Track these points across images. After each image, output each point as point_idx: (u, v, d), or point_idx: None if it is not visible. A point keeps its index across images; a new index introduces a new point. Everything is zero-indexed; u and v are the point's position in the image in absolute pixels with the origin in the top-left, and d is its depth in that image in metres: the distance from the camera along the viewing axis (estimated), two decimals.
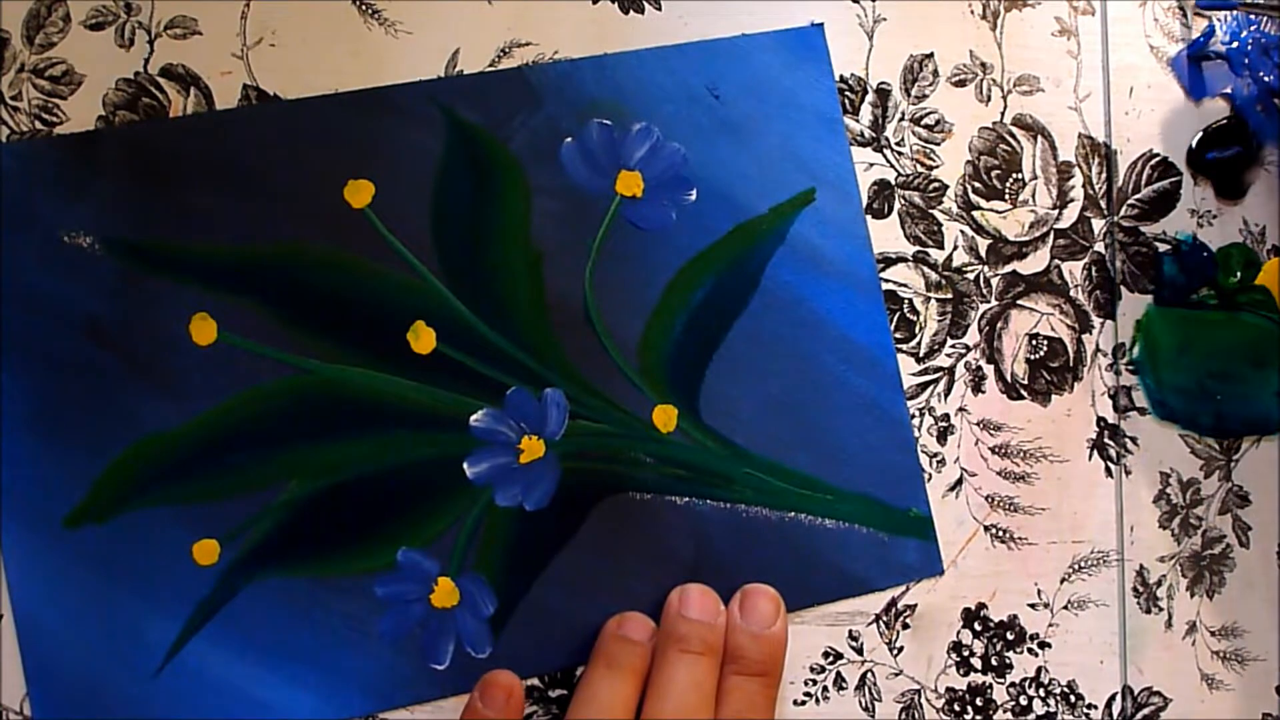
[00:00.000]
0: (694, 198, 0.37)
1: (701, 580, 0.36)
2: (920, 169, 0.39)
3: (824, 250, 0.38)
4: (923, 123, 0.39)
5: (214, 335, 0.34)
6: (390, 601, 0.35)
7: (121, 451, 0.34)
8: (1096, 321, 0.40)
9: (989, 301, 0.39)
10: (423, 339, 0.35)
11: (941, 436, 0.38)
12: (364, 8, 0.36)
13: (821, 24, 0.38)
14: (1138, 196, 0.40)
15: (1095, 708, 0.39)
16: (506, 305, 0.36)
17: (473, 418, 0.35)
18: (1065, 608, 0.39)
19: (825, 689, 0.37)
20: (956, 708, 0.38)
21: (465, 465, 0.35)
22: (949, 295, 0.39)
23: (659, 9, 0.37)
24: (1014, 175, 0.40)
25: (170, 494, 0.34)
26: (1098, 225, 0.40)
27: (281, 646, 0.34)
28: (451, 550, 0.35)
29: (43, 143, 0.34)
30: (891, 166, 0.39)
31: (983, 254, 0.39)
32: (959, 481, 0.38)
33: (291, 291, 0.35)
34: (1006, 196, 0.39)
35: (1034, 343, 0.39)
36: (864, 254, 0.38)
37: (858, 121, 0.39)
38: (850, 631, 0.37)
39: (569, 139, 0.36)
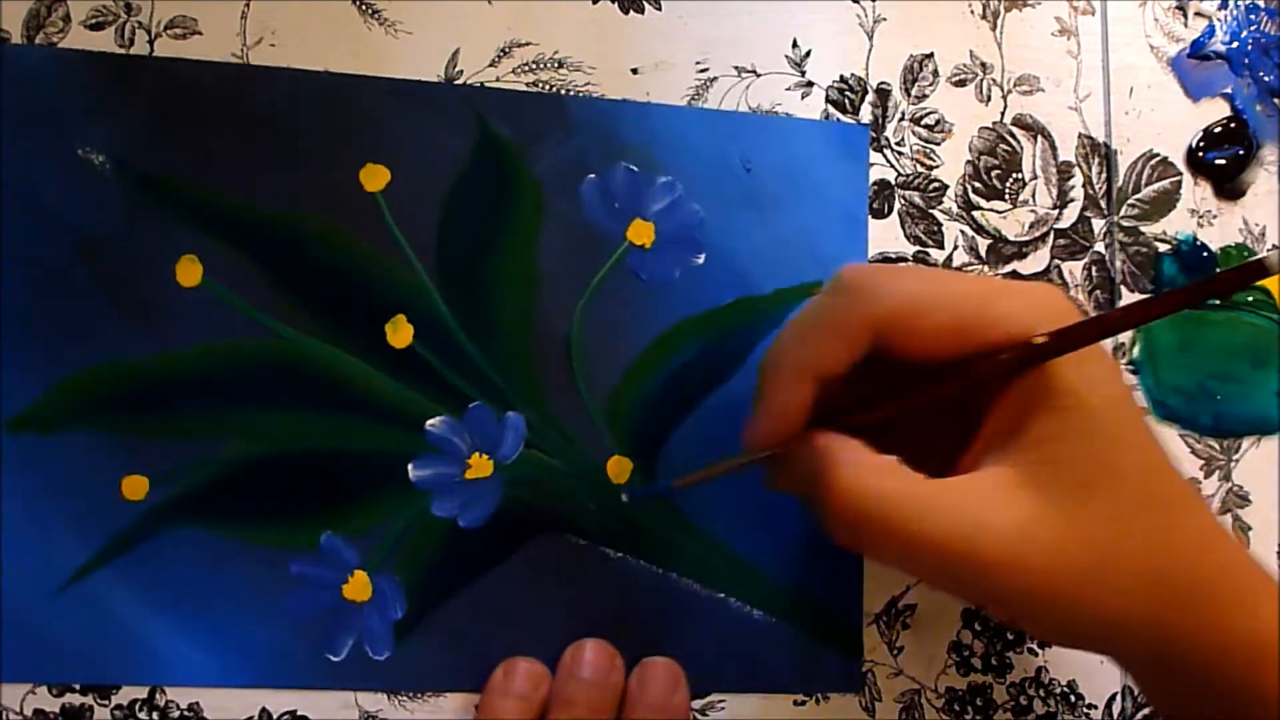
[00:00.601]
0: (701, 261, 0.37)
1: (617, 641, 0.35)
2: (920, 169, 0.39)
3: None
4: (923, 123, 0.39)
5: (198, 279, 0.34)
6: (302, 581, 0.34)
7: (81, 369, 0.34)
8: None
9: None
10: (400, 333, 0.35)
11: None
12: (364, 8, 0.36)
13: (867, 125, 0.38)
14: (1138, 196, 0.40)
15: (1095, 708, 0.39)
16: (492, 320, 0.35)
17: (429, 422, 0.35)
18: None
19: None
20: (956, 708, 0.38)
21: (410, 466, 0.35)
22: None
23: (659, 9, 0.37)
24: (1014, 175, 0.40)
25: (117, 423, 0.34)
26: (1098, 225, 0.40)
27: (185, 600, 0.34)
28: (376, 547, 0.35)
29: (80, 55, 0.34)
30: (891, 166, 0.39)
31: (983, 254, 0.39)
32: None
33: (284, 255, 0.35)
34: (1006, 196, 0.39)
35: None
36: None
37: (858, 121, 0.39)
38: None
39: (592, 175, 0.36)
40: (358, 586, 0.35)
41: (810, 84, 0.38)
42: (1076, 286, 0.40)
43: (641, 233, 0.36)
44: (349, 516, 0.35)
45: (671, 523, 0.36)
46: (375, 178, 0.35)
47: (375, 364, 0.35)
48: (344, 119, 0.35)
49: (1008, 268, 0.39)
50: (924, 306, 0.29)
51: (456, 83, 0.36)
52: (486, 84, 0.36)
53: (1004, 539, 0.27)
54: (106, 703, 0.33)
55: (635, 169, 0.36)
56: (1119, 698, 0.39)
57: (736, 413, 0.35)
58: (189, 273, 0.34)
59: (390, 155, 0.35)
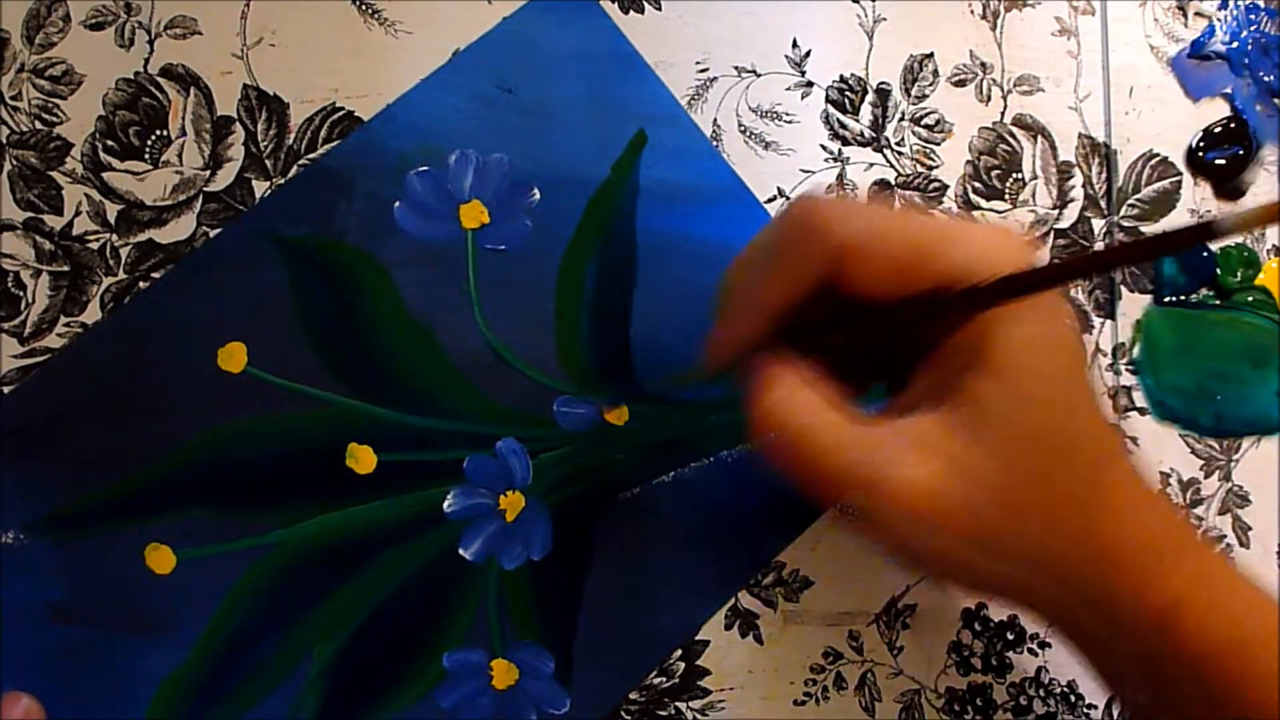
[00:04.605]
0: (538, 197, 0.36)
1: (723, 532, 0.36)
2: (920, 169, 0.39)
3: (679, 180, 0.37)
4: (923, 123, 0.39)
5: (172, 559, 0.33)
6: (459, 705, 0.34)
7: (148, 711, 0.33)
8: (1096, 321, 0.40)
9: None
10: (362, 460, 0.35)
11: None
12: (364, 8, 0.36)
13: None
14: (1138, 196, 0.40)
15: (1095, 708, 0.39)
16: (420, 388, 0.35)
17: (445, 505, 0.35)
18: None
19: (825, 689, 0.37)
20: (956, 708, 0.38)
21: (461, 550, 0.35)
22: None
23: (659, 9, 0.37)
24: (1014, 175, 0.40)
25: None
26: (1098, 225, 0.40)
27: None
28: (489, 633, 0.35)
29: None
30: (891, 166, 0.39)
31: None
32: None
33: (222, 480, 0.34)
34: (1006, 196, 0.39)
35: None
36: (717, 164, 0.37)
37: (858, 121, 0.39)
38: (850, 631, 0.37)
39: (397, 203, 0.35)
40: (503, 674, 0.35)
41: (810, 84, 0.38)
42: (1076, 286, 0.40)
43: (473, 214, 0.36)
44: (450, 628, 0.35)
45: (687, 417, 0.36)
46: (234, 356, 0.34)
47: (363, 499, 0.34)
48: (173, 326, 0.34)
49: None
50: (870, 249, 0.29)
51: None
52: None
53: (915, 489, 0.28)
54: None
55: (425, 168, 0.35)
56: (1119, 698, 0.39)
57: (666, 291, 0.36)
58: (160, 560, 0.33)
59: (231, 328, 0.34)
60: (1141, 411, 0.40)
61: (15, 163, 0.34)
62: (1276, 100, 0.41)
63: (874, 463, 0.28)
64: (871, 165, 0.38)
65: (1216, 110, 0.41)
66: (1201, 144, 0.41)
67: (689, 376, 0.35)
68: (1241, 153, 0.41)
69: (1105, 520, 0.29)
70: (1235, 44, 0.41)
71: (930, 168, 0.39)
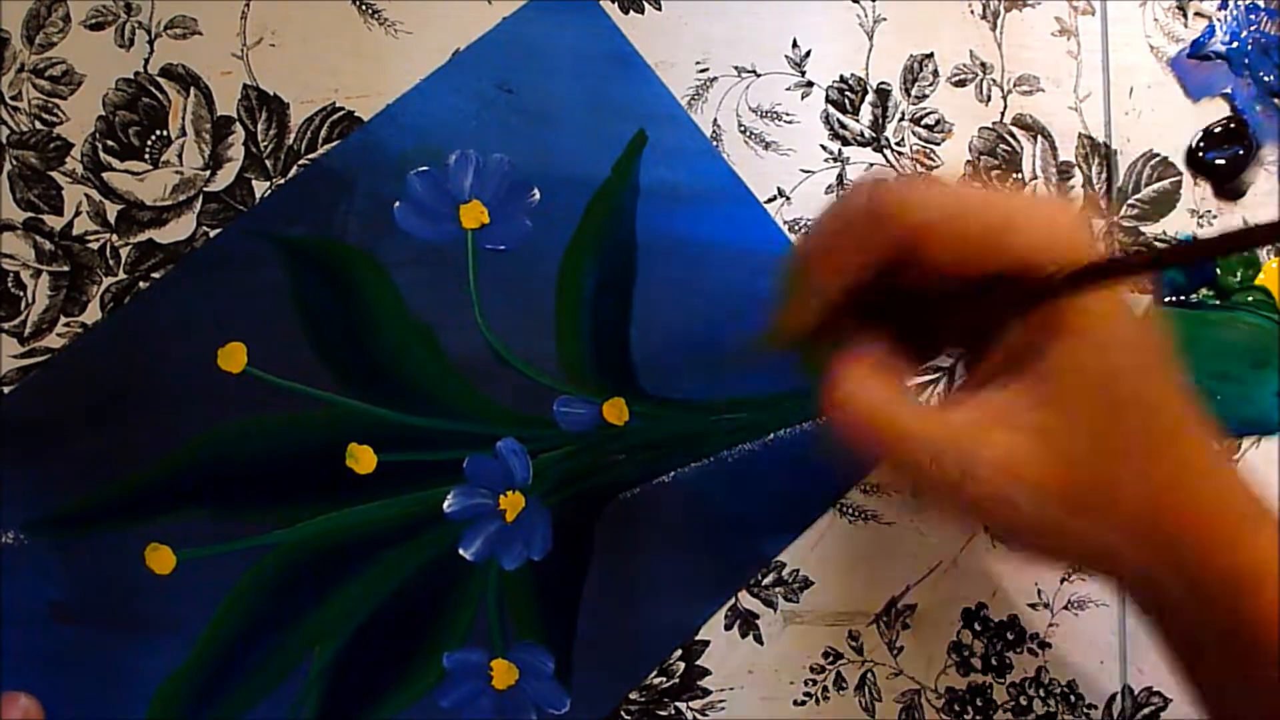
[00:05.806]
0: (538, 197, 0.36)
1: (723, 532, 0.36)
2: (920, 169, 0.39)
3: (680, 180, 0.37)
4: (923, 123, 0.39)
5: (172, 559, 0.33)
6: (459, 705, 0.35)
7: (148, 711, 0.33)
8: None
9: None
10: (362, 459, 0.35)
11: None
12: (364, 8, 0.36)
13: None
14: (1138, 196, 0.40)
15: (1095, 708, 0.39)
16: (420, 388, 0.35)
17: (445, 504, 0.35)
18: (1065, 608, 0.39)
19: (825, 689, 0.37)
20: (956, 708, 0.38)
21: (460, 550, 0.35)
22: None
23: (659, 9, 0.37)
24: (1014, 175, 0.40)
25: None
26: (1097, 225, 0.40)
27: None
28: (489, 633, 0.35)
29: None
30: (891, 166, 0.39)
31: None
32: None
33: (222, 480, 0.34)
34: None
35: None
36: (718, 165, 0.37)
37: (858, 121, 0.39)
38: (850, 631, 0.37)
39: (397, 203, 0.35)
40: (503, 674, 0.35)
41: (810, 84, 0.38)
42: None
43: (474, 214, 0.36)
44: (450, 628, 0.35)
45: (688, 416, 0.36)
46: (234, 356, 0.34)
47: (362, 499, 0.35)
48: (170, 327, 0.34)
49: None
50: (943, 229, 0.29)
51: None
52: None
53: (1003, 463, 0.28)
54: None
55: (425, 168, 0.35)
56: (1119, 698, 0.39)
57: (666, 291, 0.36)
58: (160, 560, 0.33)
59: (230, 328, 0.34)
60: None
61: (15, 163, 0.34)
62: (1277, 100, 0.41)
63: (960, 445, 0.28)
64: (871, 165, 0.38)
65: (1216, 110, 0.41)
66: (1201, 144, 0.40)
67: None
68: (1241, 153, 0.41)
69: (1184, 488, 0.29)
70: (1235, 44, 0.41)
71: (930, 168, 0.39)
